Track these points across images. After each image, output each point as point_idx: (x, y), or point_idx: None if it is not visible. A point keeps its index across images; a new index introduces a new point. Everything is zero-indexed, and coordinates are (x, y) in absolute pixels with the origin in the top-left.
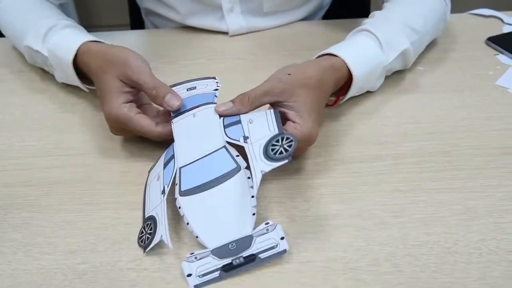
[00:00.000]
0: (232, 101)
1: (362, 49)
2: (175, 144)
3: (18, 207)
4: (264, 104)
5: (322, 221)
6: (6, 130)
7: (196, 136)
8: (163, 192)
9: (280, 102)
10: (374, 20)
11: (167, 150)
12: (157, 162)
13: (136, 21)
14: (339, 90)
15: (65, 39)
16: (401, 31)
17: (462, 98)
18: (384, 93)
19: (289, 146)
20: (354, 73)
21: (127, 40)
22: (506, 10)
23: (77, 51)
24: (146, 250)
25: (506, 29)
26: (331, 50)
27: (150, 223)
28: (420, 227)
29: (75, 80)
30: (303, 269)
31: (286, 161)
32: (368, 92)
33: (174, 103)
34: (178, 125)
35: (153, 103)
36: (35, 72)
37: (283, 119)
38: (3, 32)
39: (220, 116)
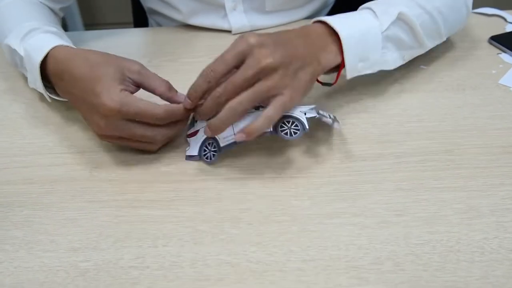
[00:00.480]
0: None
1: (351, 16)
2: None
3: (20, 205)
4: (232, 66)
5: (324, 219)
6: (9, 127)
7: None
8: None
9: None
10: (375, 1)
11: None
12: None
13: (139, 19)
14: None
15: (42, 40)
16: (399, 2)
17: (464, 97)
18: (386, 92)
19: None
20: (338, 28)
21: (130, 38)
22: (509, 9)
23: (51, 52)
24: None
25: (509, 28)
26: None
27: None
28: (423, 226)
29: (39, 85)
30: (305, 267)
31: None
32: (370, 90)
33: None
34: None
35: None
36: None
37: None
38: None
39: None
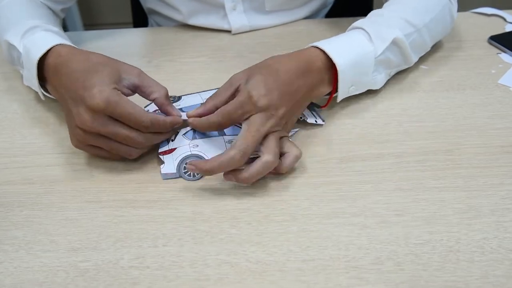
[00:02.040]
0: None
1: (347, 39)
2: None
3: (20, 205)
4: (226, 100)
5: (324, 219)
6: (8, 127)
7: None
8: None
9: (236, 90)
10: (367, 18)
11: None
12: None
13: (139, 19)
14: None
15: (43, 38)
16: (393, 24)
17: (464, 97)
18: (386, 92)
19: None
20: (336, 60)
21: (129, 38)
22: (509, 8)
23: (54, 48)
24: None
25: (508, 28)
26: (312, 44)
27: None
28: (423, 226)
29: (34, 81)
30: (305, 267)
31: None
32: (370, 90)
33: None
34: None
35: None
36: None
37: None
38: None
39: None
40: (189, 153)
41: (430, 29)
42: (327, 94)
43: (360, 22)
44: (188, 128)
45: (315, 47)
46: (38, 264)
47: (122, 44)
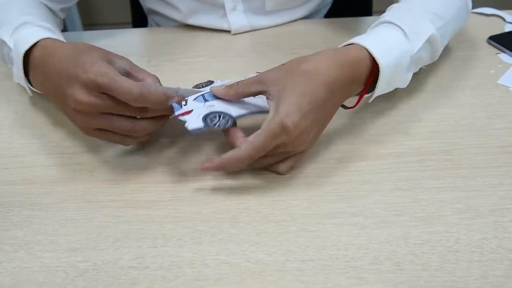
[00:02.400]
0: (226, 86)
1: (385, 37)
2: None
3: (20, 205)
4: (251, 94)
5: (324, 219)
6: (8, 128)
7: None
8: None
9: (266, 92)
10: (393, 11)
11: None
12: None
13: (138, 19)
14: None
15: (32, 33)
16: (424, 18)
17: (463, 97)
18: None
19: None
20: (380, 61)
21: (129, 38)
22: (508, 9)
23: (40, 42)
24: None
25: (507, 28)
26: (351, 40)
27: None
28: (422, 226)
29: (21, 76)
30: (304, 267)
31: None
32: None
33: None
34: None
35: None
36: None
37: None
38: None
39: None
40: (209, 111)
41: (454, 22)
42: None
43: (390, 15)
44: (196, 94)
45: (359, 45)
46: (38, 264)
47: (122, 44)
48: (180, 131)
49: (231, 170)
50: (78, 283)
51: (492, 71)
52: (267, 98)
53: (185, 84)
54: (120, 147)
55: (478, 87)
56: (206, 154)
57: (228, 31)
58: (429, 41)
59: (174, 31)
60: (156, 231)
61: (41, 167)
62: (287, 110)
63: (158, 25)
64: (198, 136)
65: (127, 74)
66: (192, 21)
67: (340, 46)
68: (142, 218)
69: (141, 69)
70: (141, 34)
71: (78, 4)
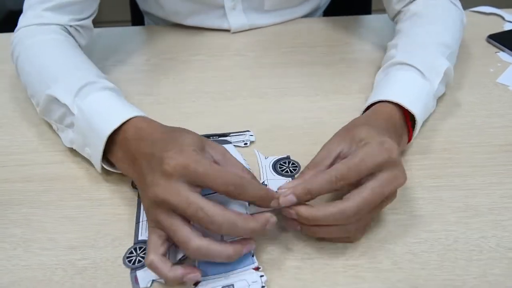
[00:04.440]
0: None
1: (409, 85)
2: None
3: (19, 203)
4: (327, 164)
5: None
6: (7, 125)
7: None
8: None
9: (343, 153)
10: (402, 49)
11: None
12: None
13: (137, 17)
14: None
15: (106, 104)
16: (434, 51)
17: (462, 96)
18: None
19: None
20: (416, 113)
21: (128, 37)
22: (507, 7)
23: (131, 121)
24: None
25: (507, 27)
26: (378, 96)
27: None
28: (420, 225)
29: (95, 155)
30: (303, 266)
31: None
32: (369, 89)
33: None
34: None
35: None
36: None
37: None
38: (20, 74)
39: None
40: None
41: (459, 43)
42: None
43: (401, 54)
44: None
45: (387, 101)
46: (36, 262)
47: (121, 42)
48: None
49: (317, 235)
50: (77, 281)
51: (492, 70)
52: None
53: (185, 82)
54: None
55: (477, 85)
56: None
57: (227, 30)
58: (445, 74)
59: (173, 29)
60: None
61: (40, 165)
62: (381, 137)
63: (156, 24)
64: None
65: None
66: (191, 22)
67: (369, 102)
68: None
69: (234, 162)
70: (140, 32)
71: None
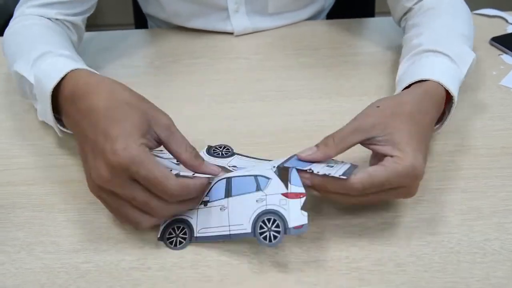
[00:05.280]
0: (317, 145)
1: (443, 68)
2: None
3: (22, 206)
4: (353, 144)
5: (326, 220)
6: (10, 129)
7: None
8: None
9: (372, 138)
10: (428, 38)
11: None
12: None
13: (141, 20)
14: None
15: (55, 65)
16: (460, 41)
17: (465, 98)
18: (387, 94)
19: (274, 237)
20: (454, 93)
21: (131, 39)
22: (511, 10)
23: (69, 75)
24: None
25: (510, 29)
26: (414, 77)
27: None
28: (424, 227)
29: (49, 116)
30: (306, 268)
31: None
32: (372, 91)
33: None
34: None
35: None
36: None
37: (379, 155)
38: (6, 58)
39: (304, 161)
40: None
41: (473, 38)
42: None
43: (428, 44)
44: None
45: (435, 82)
46: (40, 266)
47: (124, 45)
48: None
49: (325, 197)
50: (80, 284)
51: (495, 73)
52: (374, 144)
53: (188, 85)
54: None
55: (480, 88)
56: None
57: (230, 33)
58: (471, 63)
59: (177, 32)
60: (158, 232)
61: (43, 168)
62: (413, 154)
63: (159, 27)
64: (202, 139)
65: (163, 144)
66: (194, 24)
67: (408, 83)
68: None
69: (179, 137)
70: (143, 35)
71: None
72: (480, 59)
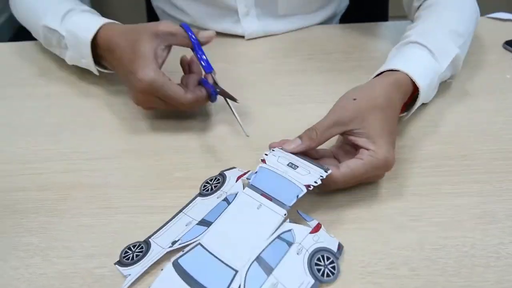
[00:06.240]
0: (300, 137)
1: (419, 60)
2: (220, 218)
3: (35, 212)
4: (333, 136)
5: (339, 225)
6: (23, 134)
7: (239, 234)
8: (173, 242)
9: (349, 130)
10: (417, 30)
11: (218, 205)
12: (204, 198)
13: (153, 19)
14: None
15: (85, 19)
16: (447, 38)
17: (479, 102)
18: None
19: (333, 268)
20: (421, 85)
21: None
22: None
23: (98, 30)
24: (116, 266)
25: None
26: (388, 66)
27: (143, 246)
28: (438, 231)
29: (88, 61)
30: None
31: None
32: None
33: (209, 35)
34: (241, 200)
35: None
36: (53, 77)
37: (354, 146)
38: (19, 16)
39: (292, 152)
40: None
41: (471, 36)
42: None
43: (415, 35)
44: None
45: (403, 72)
46: (54, 271)
47: None
48: (192, 138)
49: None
50: None
51: (508, 76)
52: (351, 135)
53: None
54: (136, 153)
55: (494, 92)
56: (221, 159)
57: (241, 36)
58: (453, 61)
59: None
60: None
61: (56, 173)
62: (386, 147)
63: None
64: (214, 143)
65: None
66: (206, 26)
67: (380, 71)
68: (158, 224)
69: (179, 31)
70: None
71: (92, 3)
72: (493, 63)
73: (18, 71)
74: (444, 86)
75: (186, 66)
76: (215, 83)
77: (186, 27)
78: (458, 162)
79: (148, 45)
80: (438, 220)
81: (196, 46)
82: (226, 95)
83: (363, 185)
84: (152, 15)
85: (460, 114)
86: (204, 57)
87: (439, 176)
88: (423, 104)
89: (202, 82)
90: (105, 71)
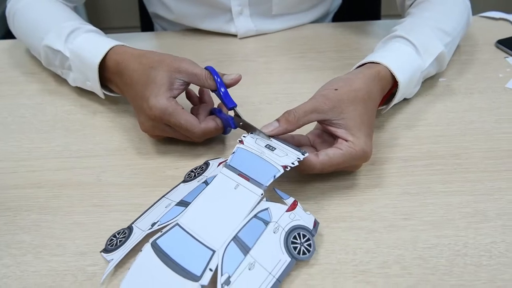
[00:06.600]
0: (278, 120)
1: (401, 55)
2: (198, 198)
3: (28, 209)
4: (310, 122)
5: (332, 223)
6: (16, 132)
7: (217, 214)
8: (153, 224)
9: (328, 120)
10: (405, 26)
11: (197, 187)
12: (186, 183)
13: (147, 23)
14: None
15: (91, 42)
16: (433, 35)
17: (471, 101)
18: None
19: (309, 245)
20: (400, 80)
21: (137, 43)
22: None
23: (107, 53)
24: (102, 254)
25: None
26: (371, 58)
27: (126, 232)
28: (430, 230)
29: (94, 84)
30: (312, 271)
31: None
32: None
33: (235, 77)
34: (219, 180)
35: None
36: (46, 74)
37: (332, 135)
38: (17, 32)
39: (269, 136)
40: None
41: (460, 36)
42: None
43: (402, 30)
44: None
45: (383, 65)
46: (46, 268)
47: None
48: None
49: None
50: (87, 287)
51: (501, 75)
52: (330, 126)
53: (194, 88)
54: (129, 151)
55: (486, 91)
56: (214, 157)
57: (234, 35)
58: (438, 58)
59: (181, 35)
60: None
61: (49, 171)
62: (364, 139)
63: (164, 29)
64: (206, 141)
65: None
66: (198, 25)
67: (362, 62)
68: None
69: (199, 75)
70: (148, 38)
71: (86, 7)
72: (486, 62)
73: (11, 68)
74: (436, 84)
75: (195, 97)
76: (237, 115)
77: (212, 70)
78: (450, 161)
79: (165, 74)
80: (430, 219)
81: (219, 85)
82: (248, 128)
83: (356, 185)
84: (145, 17)
85: (452, 112)
86: (227, 94)
87: (431, 175)
88: (415, 103)
89: (215, 112)
90: (112, 94)
